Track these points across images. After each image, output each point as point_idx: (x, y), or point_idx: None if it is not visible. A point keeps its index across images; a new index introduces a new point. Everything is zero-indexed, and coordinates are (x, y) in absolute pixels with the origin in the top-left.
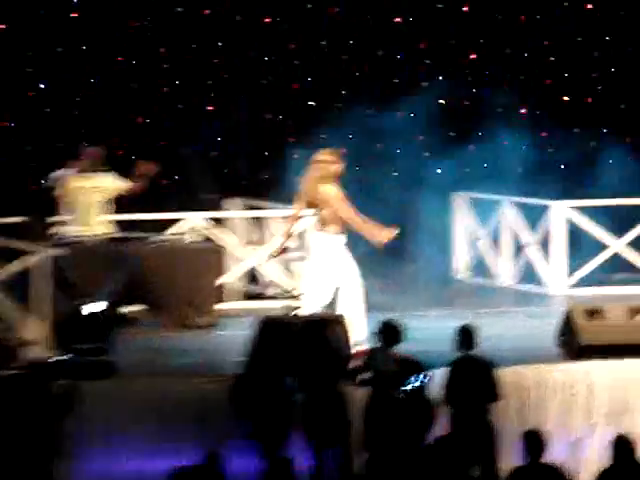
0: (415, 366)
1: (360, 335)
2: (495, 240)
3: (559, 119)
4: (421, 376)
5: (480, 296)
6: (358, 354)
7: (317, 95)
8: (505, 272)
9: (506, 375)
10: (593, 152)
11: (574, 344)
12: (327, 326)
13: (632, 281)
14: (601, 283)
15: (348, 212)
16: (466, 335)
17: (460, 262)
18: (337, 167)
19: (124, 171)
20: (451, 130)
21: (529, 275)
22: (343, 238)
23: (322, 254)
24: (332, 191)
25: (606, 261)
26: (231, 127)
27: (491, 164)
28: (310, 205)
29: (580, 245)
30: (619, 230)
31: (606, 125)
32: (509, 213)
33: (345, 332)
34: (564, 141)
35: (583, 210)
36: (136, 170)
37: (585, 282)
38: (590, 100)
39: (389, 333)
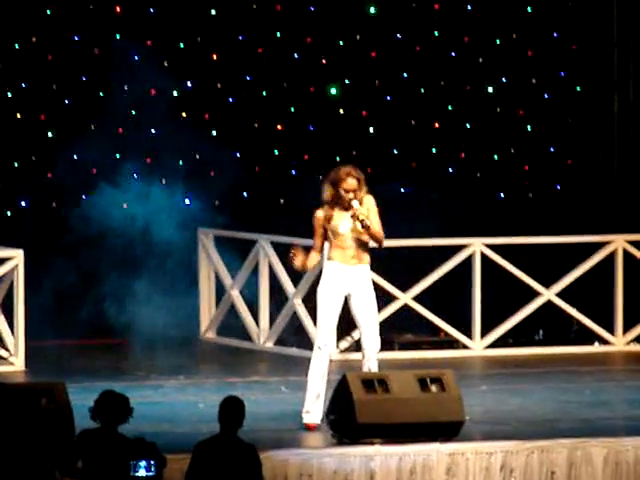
0: (148, 449)
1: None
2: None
3: None
4: (152, 462)
5: (231, 361)
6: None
7: None
8: (263, 332)
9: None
10: None
11: (349, 423)
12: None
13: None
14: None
15: None
16: (231, 409)
17: (206, 318)
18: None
19: None
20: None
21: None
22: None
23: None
24: None
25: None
26: None
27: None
28: None
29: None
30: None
31: None
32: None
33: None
34: None
35: None
36: None
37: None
38: None
39: (111, 408)
